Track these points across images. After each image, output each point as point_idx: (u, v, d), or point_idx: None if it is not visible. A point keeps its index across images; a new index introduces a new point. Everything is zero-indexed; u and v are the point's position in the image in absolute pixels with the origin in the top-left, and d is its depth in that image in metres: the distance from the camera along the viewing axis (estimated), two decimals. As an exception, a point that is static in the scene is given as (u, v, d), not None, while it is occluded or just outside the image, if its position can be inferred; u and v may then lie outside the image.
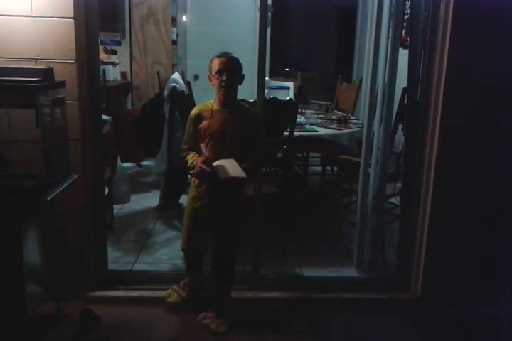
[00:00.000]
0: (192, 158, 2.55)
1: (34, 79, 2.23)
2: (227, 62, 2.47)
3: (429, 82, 2.70)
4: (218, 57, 2.49)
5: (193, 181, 2.62)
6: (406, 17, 3.91)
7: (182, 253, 2.87)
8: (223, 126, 2.51)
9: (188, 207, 2.66)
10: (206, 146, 2.53)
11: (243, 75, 2.54)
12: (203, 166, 2.43)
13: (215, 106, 2.54)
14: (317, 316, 2.81)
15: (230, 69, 2.46)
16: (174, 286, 2.83)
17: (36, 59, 2.54)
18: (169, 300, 2.80)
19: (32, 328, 2.31)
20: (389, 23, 2.98)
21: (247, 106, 2.63)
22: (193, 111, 2.59)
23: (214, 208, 2.59)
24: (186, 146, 2.63)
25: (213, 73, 2.48)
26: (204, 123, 2.53)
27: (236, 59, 2.51)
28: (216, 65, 2.47)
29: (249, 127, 2.55)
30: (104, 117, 3.42)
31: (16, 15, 2.50)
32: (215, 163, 2.42)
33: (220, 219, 2.61)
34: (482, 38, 2.56)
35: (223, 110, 2.53)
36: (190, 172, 2.61)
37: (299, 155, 4.66)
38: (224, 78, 2.44)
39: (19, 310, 2.22)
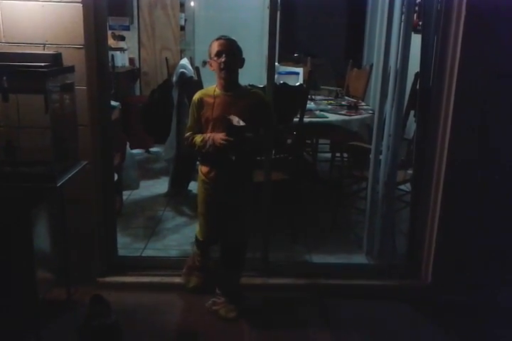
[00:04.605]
0: (200, 137, 2.48)
1: (43, 64, 2.21)
2: (225, 43, 2.42)
3: (442, 67, 2.65)
4: (217, 40, 2.45)
5: (201, 168, 2.59)
6: (418, 1, 3.84)
7: (191, 240, 2.87)
8: (226, 111, 2.44)
9: (200, 195, 2.64)
10: (211, 133, 2.47)
11: (243, 59, 2.48)
12: (227, 138, 2.34)
13: (217, 91, 2.49)
14: (326, 303, 2.81)
15: (229, 51, 2.41)
16: (186, 271, 2.83)
17: (44, 44, 2.51)
18: (191, 285, 2.81)
19: (42, 313, 2.33)
20: (401, 7, 2.92)
21: (249, 87, 2.57)
22: (196, 96, 2.54)
23: (225, 194, 2.57)
24: (190, 133, 2.55)
25: (212, 56, 2.44)
26: (206, 109, 2.48)
27: (235, 41, 2.46)
28: (215, 47, 2.43)
29: (255, 109, 2.48)
30: (113, 103, 3.40)
31: (23, -1, 2.47)
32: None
33: (230, 205, 2.59)
34: (498, 22, 2.50)
35: (225, 94, 2.48)
36: (200, 156, 2.57)
37: (308, 141, 4.63)
38: (223, 59, 2.39)
39: (30, 295, 2.24)
